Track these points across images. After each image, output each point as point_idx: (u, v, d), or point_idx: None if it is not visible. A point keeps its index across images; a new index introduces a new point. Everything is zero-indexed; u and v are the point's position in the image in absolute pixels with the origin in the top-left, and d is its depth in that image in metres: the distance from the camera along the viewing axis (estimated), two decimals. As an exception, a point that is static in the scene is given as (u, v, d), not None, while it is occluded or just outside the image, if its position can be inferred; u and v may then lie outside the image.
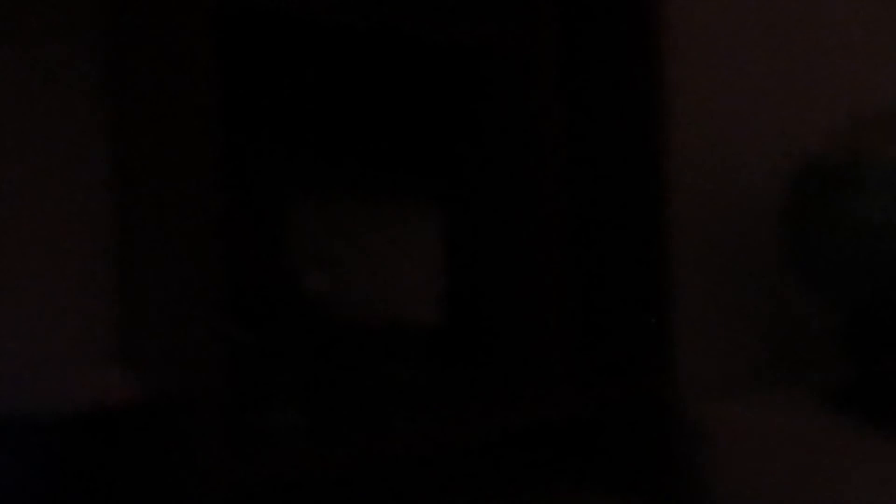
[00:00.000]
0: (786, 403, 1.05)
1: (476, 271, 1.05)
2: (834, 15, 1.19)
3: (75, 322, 0.90)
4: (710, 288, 1.13)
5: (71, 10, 0.90)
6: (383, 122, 1.04)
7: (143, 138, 0.87)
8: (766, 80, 1.19)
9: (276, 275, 0.97)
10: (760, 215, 1.12)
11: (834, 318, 1.05)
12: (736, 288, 1.14)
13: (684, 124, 1.12)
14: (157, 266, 0.85)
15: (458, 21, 1.01)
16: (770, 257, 1.11)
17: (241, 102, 0.96)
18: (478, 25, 1.02)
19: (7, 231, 0.87)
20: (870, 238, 0.96)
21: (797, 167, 1.02)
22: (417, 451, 0.96)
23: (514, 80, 1.02)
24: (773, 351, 1.13)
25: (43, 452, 0.78)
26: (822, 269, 1.00)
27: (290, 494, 0.95)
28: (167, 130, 0.83)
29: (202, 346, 0.81)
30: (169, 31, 0.82)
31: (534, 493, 1.00)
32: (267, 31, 0.94)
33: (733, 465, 1.01)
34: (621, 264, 1.05)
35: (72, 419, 0.81)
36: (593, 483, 1.04)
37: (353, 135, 1.03)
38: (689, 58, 1.14)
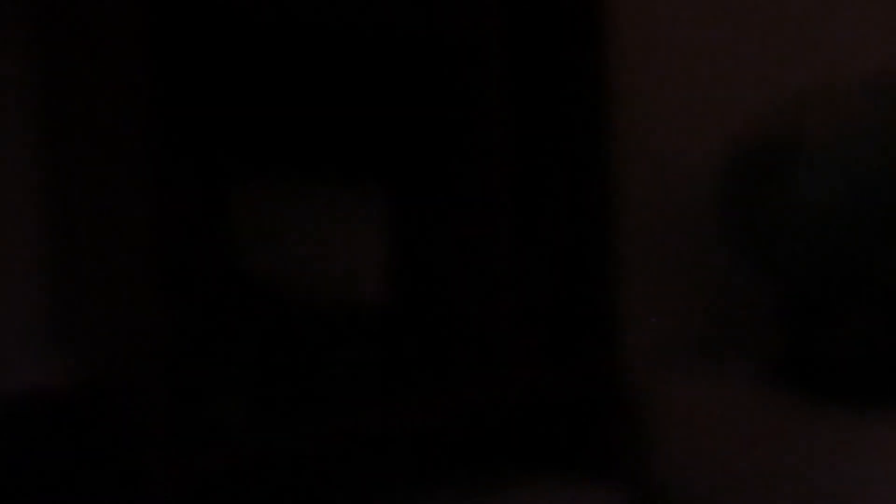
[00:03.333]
0: (727, 376, 1.08)
1: (423, 251, 1.04)
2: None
3: (9, 306, 0.88)
4: (653, 264, 1.15)
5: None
6: (326, 103, 1.03)
7: (77, 118, 0.84)
8: (704, 57, 1.20)
9: (220, 257, 0.95)
10: (701, 192, 1.14)
11: (772, 292, 1.08)
12: (677, 263, 1.16)
13: (625, 102, 1.12)
14: (96, 249, 0.82)
15: (404, 6, 1.00)
16: (710, 233, 1.13)
17: (181, 84, 0.94)
18: (425, 11, 1.01)
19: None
20: (806, 214, 0.98)
21: (736, 144, 1.03)
22: (367, 435, 0.96)
23: (460, 62, 1.02)
24: (714, 325, 1.16)
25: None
26: (761, 244, 1.02)
27: (237, 483, 0.94)
28: (102, 110, 0.80)
29: (143, 330, 0.79)
30: (104, 16, 0.80)
31: (481, 475, 1.01)
32: (203, 15, 0.92)
33: (677, 438, 1.03)
34: (565, 242, 1.05)
35: (7, 405, 0.79)
36: (542, 462, 1.06)
37: (297, 116, 1.02)
38: (630, 40, 1.14)
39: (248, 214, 0.95)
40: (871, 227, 0.98)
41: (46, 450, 0.80)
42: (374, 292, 1.00)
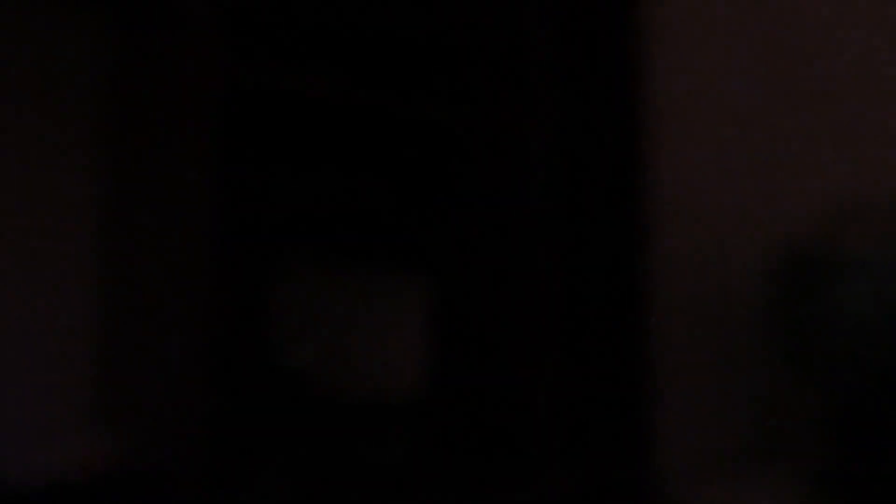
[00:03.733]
0: (769, 489, 1.05)
1: (458, 350, 1.05)
2: (813, 107, 1.23)
3: (58, 390, 0.90)
4: (695, 373, 1.14)
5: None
6: (367, 197, 1.06)
7: (132, 206, 0.88)
8: (750, 170, 1.22)
9: (259, 347, 0.97)
10: (746, 302, 1.14)
11: (816, 404, 1.06)
12: (721, 373, 1.15)
13: (671, 214, 1.14)
14: (142, 336, 0.85)
15: (443, 99, 1.03)
16: (753, 344, 1.12)
17: (230, 178, 0.98)
18: (462, 103, 1.04)
19: None
20: (851, 326, 0.98)
21: (781, 256, 1.04)
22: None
23: (499, 156, 1.04)
24: (757, 437, 1.14)
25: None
26: (803, 355, 1.01)
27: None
28: (157, 201, 0.84)
29: (183, 416, 0.80)
30: (168, 107, 0.84)
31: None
32: (252, 107, 0.96)
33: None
34: (606, 349, 1.05)
35: (53, 487, 0.80)
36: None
37: (338, 210, 1.04)
38: (676, 148, 1.17)
39: (291, 308, 0.97)
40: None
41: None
42: (411, 388, 1.01)
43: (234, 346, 0.96)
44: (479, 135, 1.06)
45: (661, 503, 1.00)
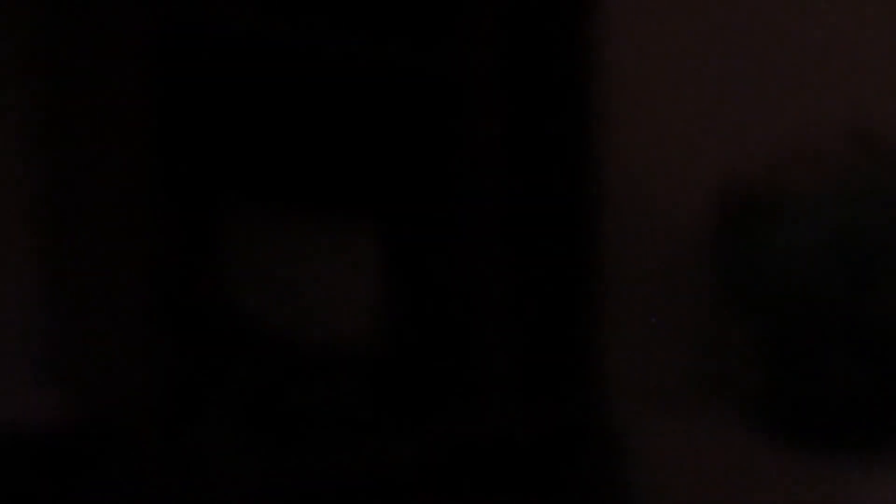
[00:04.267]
0: (711, 415, 1.09)
1: (412, 293, 1.05)
2: (758, 49, 1.25)
3: (3, 339, 0.87)
4: (640, 306, 1.17)
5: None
6: (319, 140, 1.05)
7: (74, 155, 0.85)
8: (695, 113, 1.23)
9: (211, 293, 0.95)
10: (688, 239, 1.16)
11: (754, 338, 1.10)
12: (664, 306, 1.18)
13: (617, 155, 1.15)
14: (88, 285, 0.83)
15: (392, 41, 1.02)
16: (695, 279, 1.15)
17: (174, 118, 0.95)
18: (413, 46, 1.03)
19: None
20: (789, 264, 1.01)
21: (725, 197, 1.06)
22: (356, 473, 0.96)
23: (455, 98, 1.03)
24: (699, 366, 1.17)
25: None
26: (744, 292, 1.05)
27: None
28: (98, 146, 0.81)
29: (135, 365, 0.79)
30: (103, 49, 0.81)
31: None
32: (208, 50, 0.93)
33: (660, 475, 1.04)
34: (553, 282, 1.07)
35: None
36: (527, 500, 1.06)
37: (290, 151, 1.03)
38: (624, 85, 1.17)
39: (239, 251, 0.96)
40: (850, 277, 1.01)
41: (41, 488, 0.79)
42: (362, 330, 1.01)
43: (184, 292, 0.94)
44: (426, 77, 1.04)
45: (608, 437, 1.03)
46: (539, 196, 1.10)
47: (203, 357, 0.93)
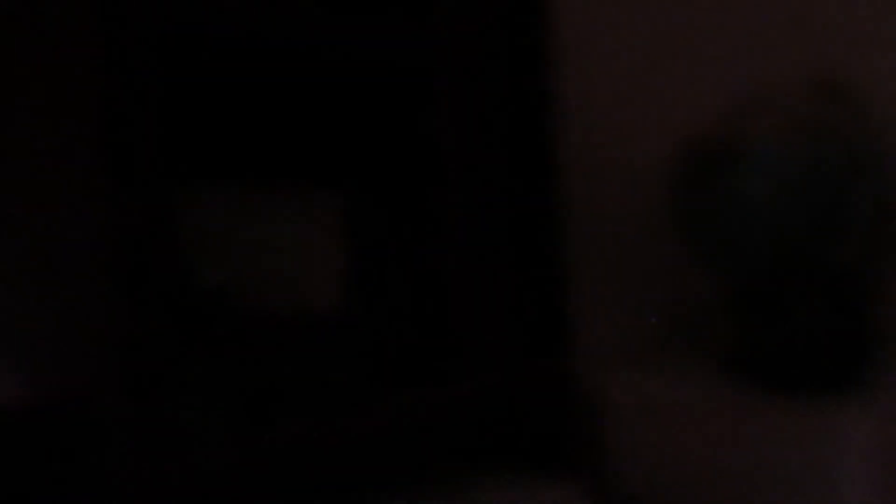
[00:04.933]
0: (681, 371, 1.10)
1: (379, 257, 1.06)
2: (711, 2, 1.24)
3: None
4: (604, 265, 1.17)
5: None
6: (277, 112, 1.04)
7: (28, 126, 0.85)
8: (650, 65, 1.23)
9: (174, 267, 0.96)
10: (650, 193, 1.16)
11: (721, 288, 1.10)
12: (629, 263, 1.18)
13: (573, 107, 1.15)
14: (48, 261, 0.83)
15: (348, 20, 1.02)
16: (661, 233, 1.15)
17: (131, 94, 0.95)
18: (369, 26, 1.03)
19: None
20: (750, 213, 1.01)
21: (681, 146, 1.06)
22: (327, 439, 0.97)
23: (410, 76, 1.03)
24: (667, 322, 1.18)
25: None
26: (707, 242, 1.05)
27: (199, 490, 0.94)
28: (54, 116, 0.81)
29: (99, 343, 0.80)
30: (57, 27, 0.80)
31: (439, 474, 1.01)
32: (164, 20, 0.92)
33: (632, 434, 1.05)
34: (517, 245, 1.07)
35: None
36: (500, 461, 1.06)
37: (248, 125, 1.03)
38: (577, 44, 1.17)
39: (200, 224, 0.96)
40: (812, 223, 1.01)
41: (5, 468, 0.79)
42: (330, 297, 1.01)
43: (145, 269, 0.94)
44: (385, 53, 1.04)
45: (577, 392, 1.04)
46: (502, 157, 1.10)
47: (168, 333, 0.93)
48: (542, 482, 1.00)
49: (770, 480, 0.98)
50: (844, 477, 0.96)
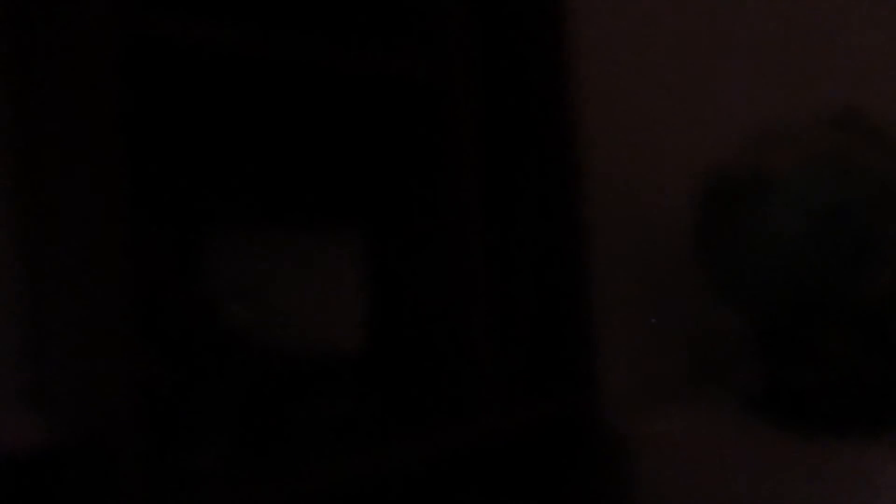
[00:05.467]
0: (707, 410, 1.08)
1: (398, 298, 1.04)
2: (735, 35, 1.24)
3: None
4: (629, 302, 1.15)
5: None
6: (301, 151, 1.04)
7: (48, 173, 0.84)
8: (673, 98, 1.22)
9: (194, 306, 0.94)
10: (675, 230, 1.15)
11: (748, 326, 1.09)
12: (654, 301, 1.17)
13: (598, 144, 1.14)
14: (65, 301, 0.82)
15: (376, 52, 1.01)
16: (685, 270, 1.14)
17: (155, 130, 0.94)
18: (396, 57, 1.02)
19: None
20: (774, 249, 0.99)
21: (705, 183, 1.05)
22: (347, 482, 0.95)
23: (434, 111, 1.03)
24: (693, 361, 1.16)
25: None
26: (733, 280, 1.03)
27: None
28: (74, 159, 0.80)
29: (116, 383, 0.78)
30: (76, 62, 0.80)
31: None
32: (178, 62, 0.92)
33: (660, 475, 1.03)
34: (543, 283, 1.05)
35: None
36: (526, 500, 1.05)
37: (272, 164, 1.02)
38: (601, 78, 1.16)
39: (223, 266, 0.95)
40: (837, 258, 0.99)
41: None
42: (351, 339, 1.00)
43: (166, 309, 0.93)
44: (405, 82, 1.03)
45: (603, 432, 1.02)
46: (523, 193, 1.09)
47: (187, 373, 0.92)
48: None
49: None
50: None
